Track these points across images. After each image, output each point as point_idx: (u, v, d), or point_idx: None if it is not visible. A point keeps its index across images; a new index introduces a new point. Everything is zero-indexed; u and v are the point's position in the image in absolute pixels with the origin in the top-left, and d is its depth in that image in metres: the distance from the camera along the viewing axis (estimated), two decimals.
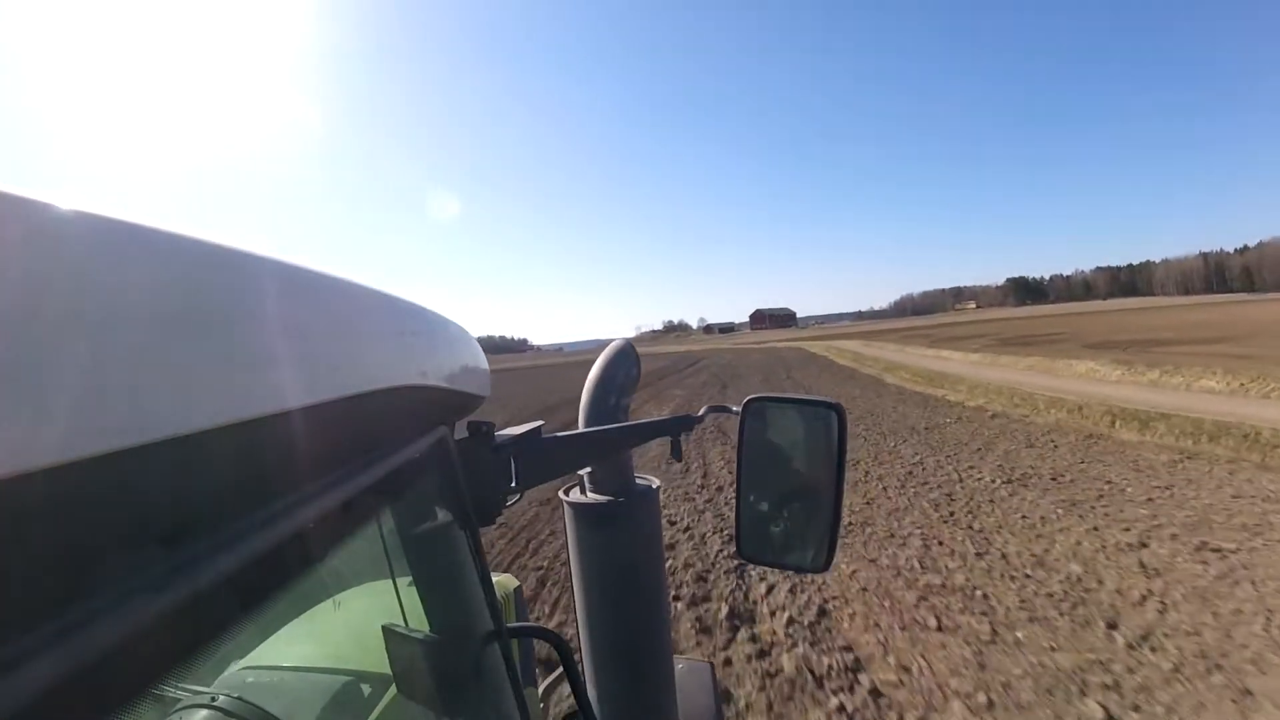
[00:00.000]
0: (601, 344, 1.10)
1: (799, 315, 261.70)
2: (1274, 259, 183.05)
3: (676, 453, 0.99)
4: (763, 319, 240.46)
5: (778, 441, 0.99)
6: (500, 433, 0.81)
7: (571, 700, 0.87)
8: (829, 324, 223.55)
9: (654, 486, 1.00)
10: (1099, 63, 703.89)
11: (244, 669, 0.97)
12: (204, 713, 0.77)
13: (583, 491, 0.98)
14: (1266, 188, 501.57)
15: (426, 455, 0.55)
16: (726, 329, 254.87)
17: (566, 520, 0.98)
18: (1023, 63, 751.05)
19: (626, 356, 1.04)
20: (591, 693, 0.98)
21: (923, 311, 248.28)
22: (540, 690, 1.31)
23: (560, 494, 1.00)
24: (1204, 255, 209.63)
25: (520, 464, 0.79)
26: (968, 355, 22.46)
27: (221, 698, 0.79)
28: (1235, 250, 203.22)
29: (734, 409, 0.96)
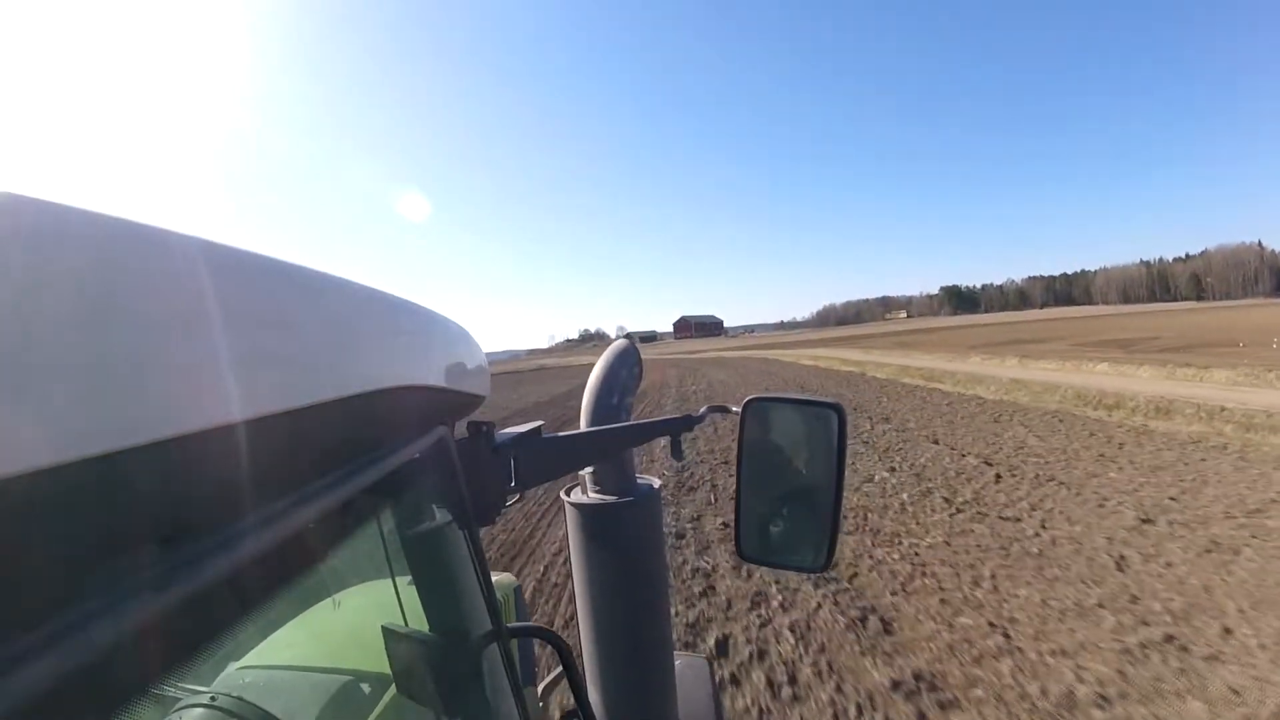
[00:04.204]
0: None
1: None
2: (1221, 266, 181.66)
3: (677, 452, 0.99)
4: (688, 327, 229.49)
5: (778, 442, 0.99)
6: (500, 432, 0.81)
7: (571, 700, 0.87)
8: (758, 333, 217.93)
9: (655, 486, 1.00)
10: (1028, 71, 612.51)
11: (243, 669, 0.97)
12: (203, 712, 0.77)
13: (584, 491, 0.98)
14: (1208, 197, 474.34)
15: (426, 455, 0.55)
16: (648, 338, 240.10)
17: (567, 520, 0.98)
18: (952, 69, 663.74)
19: (628, 356, 1.04)
20: (592, 693, 0.98)
21: (848, 321, 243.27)
22: (540, 690, 1.31)
23: (561, 494, 1.00)
24: (1145, 263, 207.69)
25: (520, 464, 0.79)
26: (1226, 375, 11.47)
27: (220, 697, 0.79)
28: (1177, 259, 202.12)
29: (734, 409, 0.95)
